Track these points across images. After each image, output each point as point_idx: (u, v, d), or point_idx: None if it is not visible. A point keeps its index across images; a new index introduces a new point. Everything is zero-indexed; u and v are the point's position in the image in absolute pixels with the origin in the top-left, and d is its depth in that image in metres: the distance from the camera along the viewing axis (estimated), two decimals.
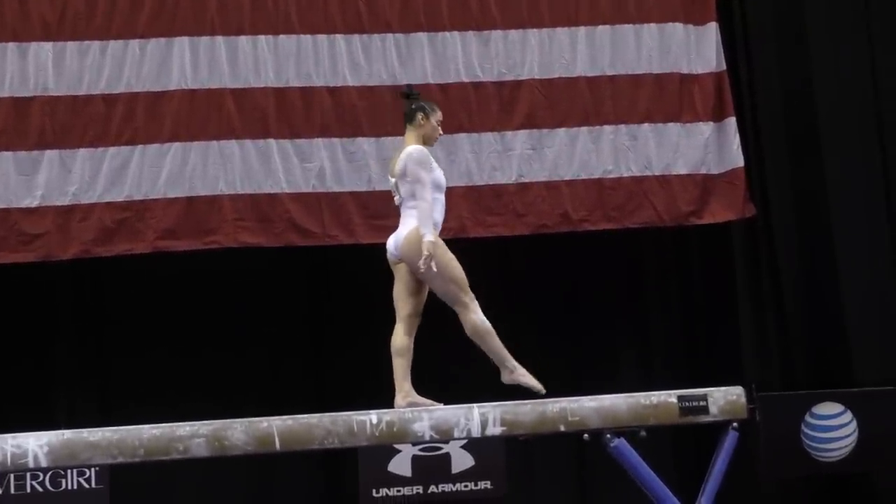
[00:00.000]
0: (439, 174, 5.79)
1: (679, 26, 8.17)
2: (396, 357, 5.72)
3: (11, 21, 7.55)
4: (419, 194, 5.67)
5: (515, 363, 5.69)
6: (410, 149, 5.75)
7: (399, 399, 5.67)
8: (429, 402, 5.63)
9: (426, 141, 5.85)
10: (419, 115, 5.83)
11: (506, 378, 5.69)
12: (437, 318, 5.85)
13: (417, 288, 5.77)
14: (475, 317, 5.64)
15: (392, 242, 5.82)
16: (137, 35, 7.63)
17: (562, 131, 8.00)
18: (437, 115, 5.88)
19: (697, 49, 8.18)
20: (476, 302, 5.66)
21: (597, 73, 8.08)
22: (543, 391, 5.62)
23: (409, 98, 5.91)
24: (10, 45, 7.53)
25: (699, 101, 8.15)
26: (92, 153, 7.57)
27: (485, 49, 7.93)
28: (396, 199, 5.84)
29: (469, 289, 5.68)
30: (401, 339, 5.73)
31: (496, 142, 7.89)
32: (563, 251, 8.23)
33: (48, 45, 7.56)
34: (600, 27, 8.10)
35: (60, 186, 7.52)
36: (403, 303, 5.77)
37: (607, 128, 8.05)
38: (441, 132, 5.95)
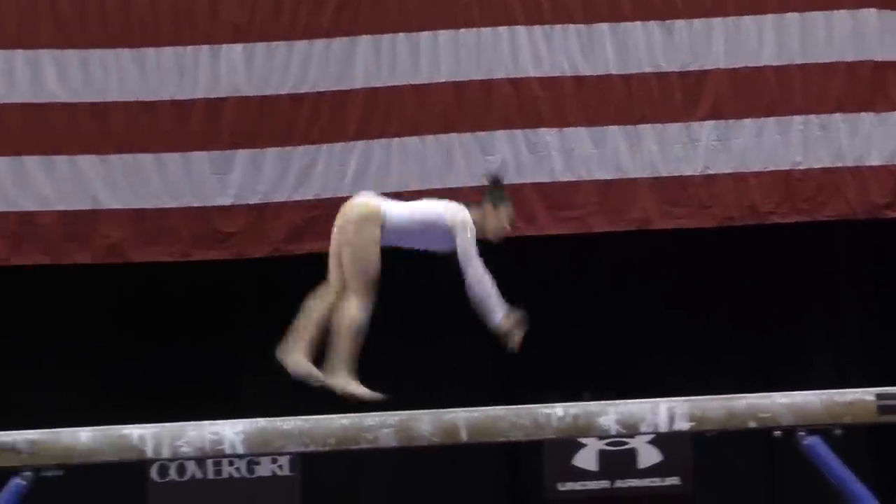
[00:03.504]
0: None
1: (873, 12, 7.90)
2: (306, 317, 5.40)
3: (203, 25, 7.79)
4: (475, 267, 5.25)
5: (349, 374, 5.36)
6: (467, 218, 5.35)
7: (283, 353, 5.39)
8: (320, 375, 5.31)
9: (483, 231, 5.39)
10: (489, 205, 5.42)
11: (328, 378, 5.31)
12: None
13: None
14: (361, 315, 5.33)
15: (349, 202, 5.47)
16: (322, 35, 7.79)
17: (749, 122, 7.83)
18: (509, 210, 5.45)
19: (893, 35, 7.90)
20: (370, 305, 5.33)
21: (785, 62, 7.88)
22: (382, 397, 5.36)
23: (494, 185, 5.51)
24: (203, 48, 7.78)
25: (894, 89, 7.87)
26: (280, 152, 7.76)
27: (668, 39, 7.82)
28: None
29: (372, 290, 5.35)
30: (318, 305, 5.39)
31: (681, 133, 7.78)
32: (752, 244, 8.07)
33: (238, 47, 7.78)
34: (788, 14, 7.89)
35: (252, 185, 7.74)
36: (335, 271, 5.43)
37: (796, 118, 7.85)
38: (503, 236, 5.46)
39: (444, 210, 5.43)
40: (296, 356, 5.42)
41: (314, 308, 5.44)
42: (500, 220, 5.47)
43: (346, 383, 5.40)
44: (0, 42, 7.66)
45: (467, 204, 5.45)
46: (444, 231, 5.40)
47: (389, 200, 5.47)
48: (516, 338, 5.32)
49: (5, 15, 7.67)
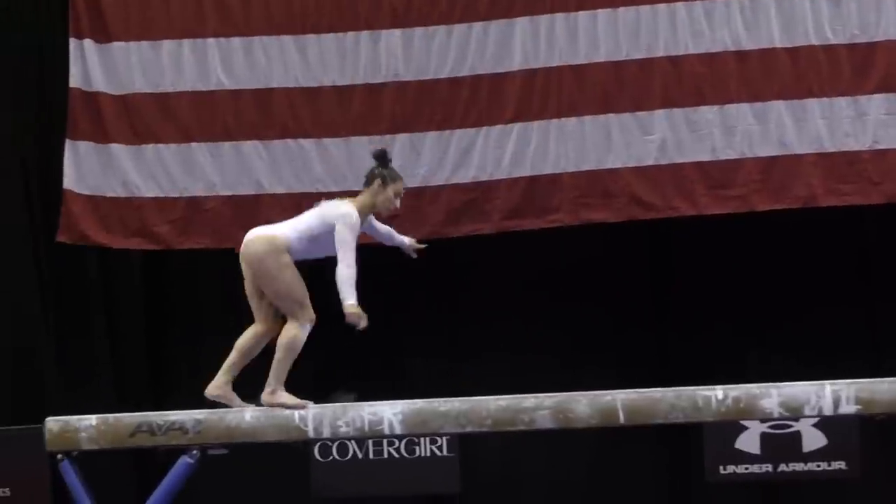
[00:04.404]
0: None
1: None
2: (234, 350, 5.64)
3: (364, 11, 7.88)
4: (343, 256, 5.50)
5: (281, 387, 5.55)
6: (347, 210, 5.59)
7: (208, 388, 5.60)
8: (237, 401, 5.57)
9: (378, 208, 5.72)
10: (377, 182, 5.67)
11: (265, 397, 5.53)
12: None
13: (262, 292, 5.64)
14: (299, 333, 5.50)
15: (245, 238, 5.67)
16: (480, 18, 7.79)
17: None
18: (398, 186, 5.71)
19: None
20: (310, 323, 5.53)
21: None
22: (306, 405, 5.52)
23: (379, 161, 5.73)
24: (363, 33, 7.88)
25: None
26: (439, 136, 7.81)
27: (836, 10, 7.54)
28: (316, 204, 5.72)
29: (309, 306, 5.54)
30: (245, 337, 5.65)
31: (849, 106, 7.51)
32: None
33: (398, 32, 7.85)
34: None
35: (411, 169, 7.80)
36: (255, 305, 5.66)
37: None
38: (398, 206, 5.76)
39: (325, 212, 5.63)
40: (215, 381, 5.63)
41: (241, 340, 5.68)
42: (388, 195, 5.68)
43: (274, 397, 5.57)
44: (168, 33, 7.91)
45: (365, 189, 5.70)
46: (323, 232, 5.61)
47: (278, 224, 5.68)
48: (361, 324, 5.51)
49: (173, 7, 7.92)
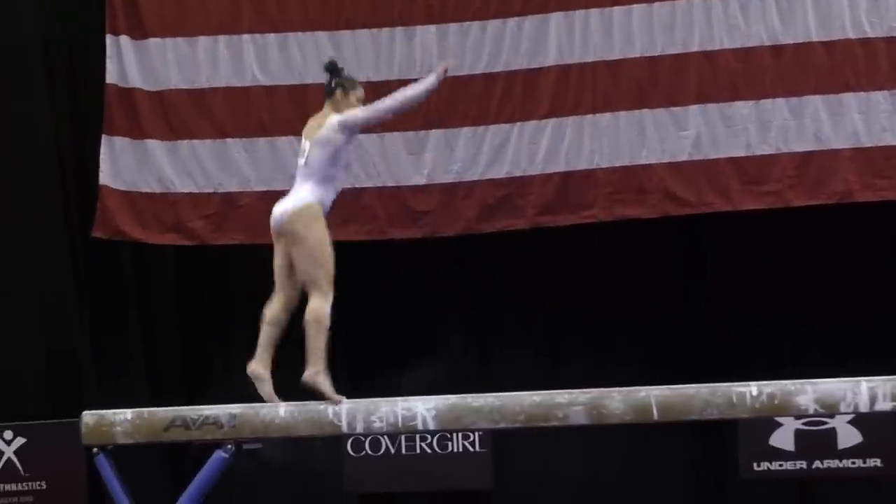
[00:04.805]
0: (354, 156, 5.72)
1: None
2: (265, 325, 5.64)
3: (398, 7, 7.88)
4: (377, 110, 5.67)
5: (324, 368, 5.51)
6: (333, 117, 5.65)
7: (251, 365, 5.61)
8: (269, 388, 5.56)
9: None
10: (338, 92, 5.75)
11: (308, 376, 5.50)
12: None
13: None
14: (324, 307, 5.48)
15: (279, 211, 5.67)
16: (514, 13, 7.78)
17: None
18: (358, 92, 5.80)
19: None
20: (332, 296, 5.51)
21: None
22: (340, 401, 5.49)
23: (332, 73, 5.78)
24: (398, 29, 7.89)
25: None
26: (473, 132, 7.80)
27: (874, 2, 7.45)
28: (301, 161, 5.71)
29: (333, 281, 5.52)
30: (272, 310, 5.65)
31: (886, 101, 7.43)
32: None
33: (432, 28, 7.85)
34: None
35: (445, 165, 7.81)
36: (282, 280, 5.65)
37: None
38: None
39: (319, 140, 5.65)
40: (257, 359, 5.65)
41: (268, 314, 5.68)
42: (350, 102, 5.76)
43: (317, 378, 5.54)
44: (204, 29, 7.94)
45: (329, 102, 5.77)
46: (344, 143, 5.65)
47: (293, 195, 5.70)
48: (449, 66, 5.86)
49: (209, 3, 7.95)
